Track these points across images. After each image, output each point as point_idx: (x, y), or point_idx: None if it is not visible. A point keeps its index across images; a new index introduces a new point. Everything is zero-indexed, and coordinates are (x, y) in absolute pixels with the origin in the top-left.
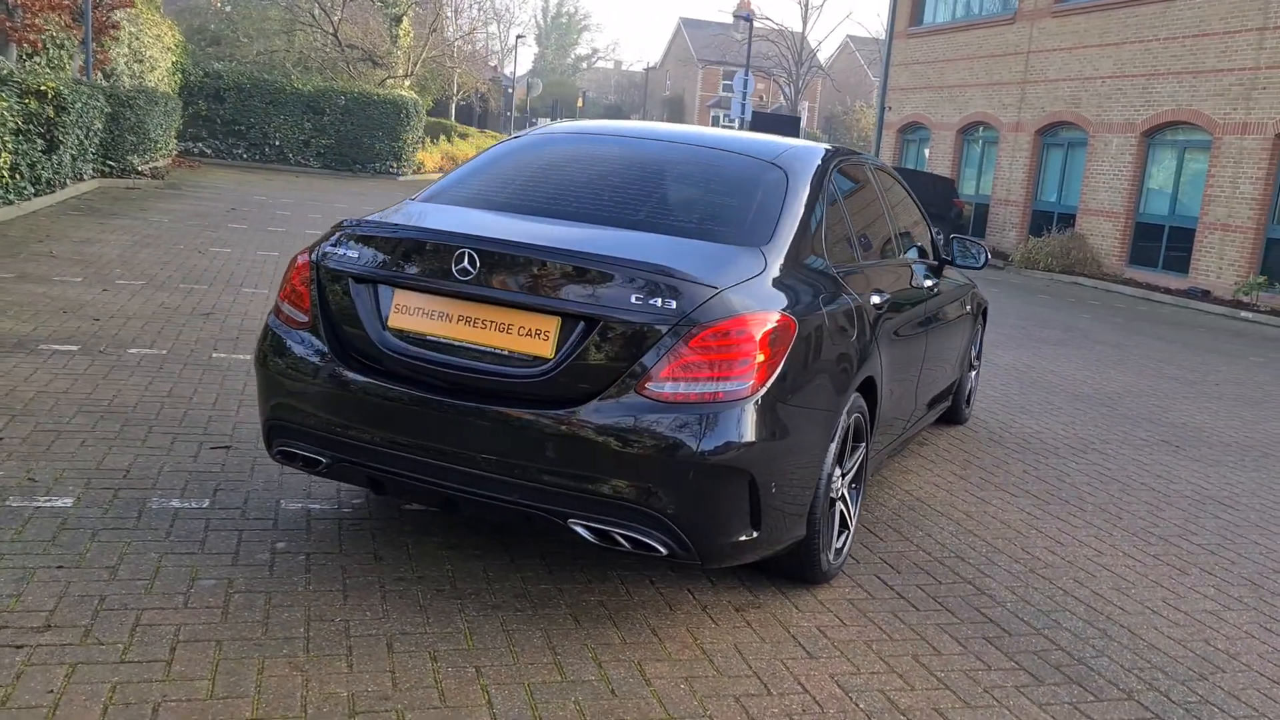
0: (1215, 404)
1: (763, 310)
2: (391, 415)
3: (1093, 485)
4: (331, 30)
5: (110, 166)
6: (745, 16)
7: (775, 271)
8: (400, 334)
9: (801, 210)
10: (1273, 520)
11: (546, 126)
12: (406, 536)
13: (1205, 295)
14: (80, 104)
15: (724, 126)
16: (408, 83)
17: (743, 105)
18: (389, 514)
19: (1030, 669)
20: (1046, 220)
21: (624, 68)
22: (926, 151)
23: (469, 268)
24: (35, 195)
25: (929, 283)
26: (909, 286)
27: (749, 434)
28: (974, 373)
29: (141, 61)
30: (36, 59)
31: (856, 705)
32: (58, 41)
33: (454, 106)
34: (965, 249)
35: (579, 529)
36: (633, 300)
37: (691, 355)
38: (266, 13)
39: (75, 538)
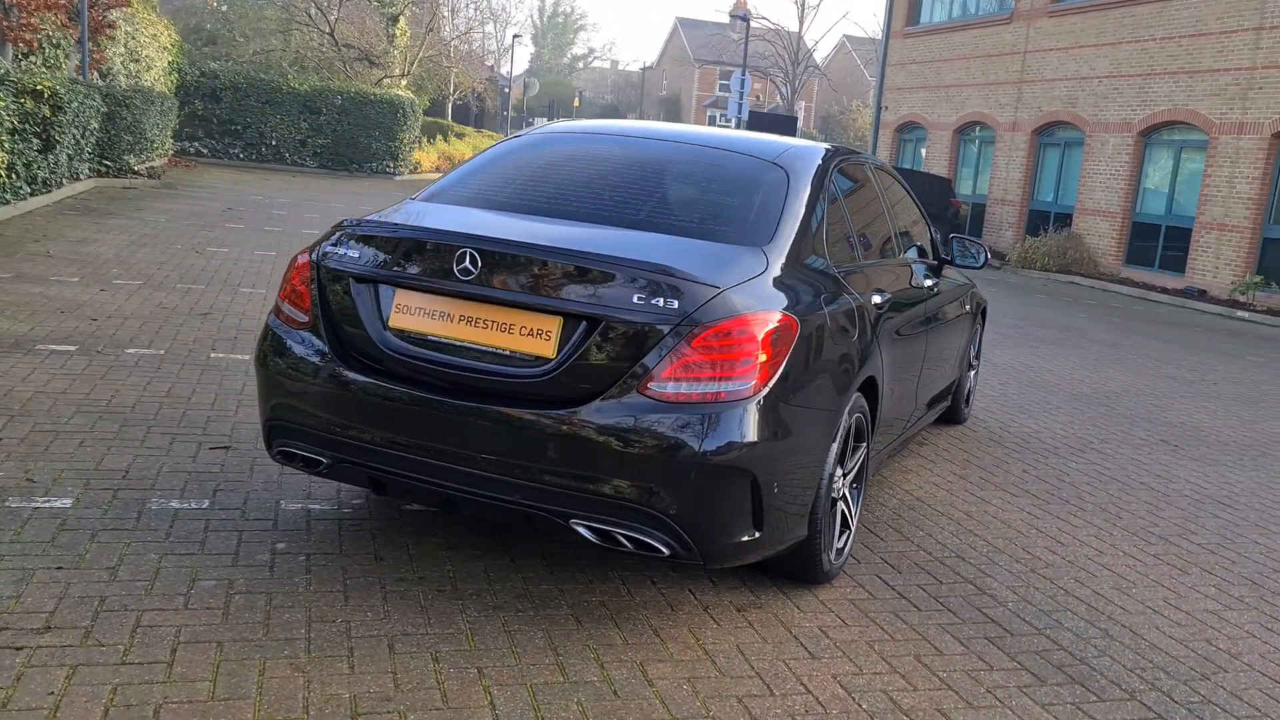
0: (1213, 403)
1: (764, 310)
2: (393, 415)
3: (1092, 485)
4: (328, 30)
5: (106, 166)
6: (742, 16)
7: (777, 271)
8: (401, 334)
9: (803, 210)
10: (1272, 519)
11: (547, 126)
12: (407, 537)
13: (1202, 295)
14: (76, 103)
15: (720, 126)
16: (404, 82)
17: (740, 105)
18: (389, 514)
19: (1033, 669)
20: (1043, 220)
21: (620, 67)
22: (923, 151)
23: (470, 267)
24: (31, 195)
25: (929, 282)
26: (909, 286)
27: (751, 434)
28: (973, 372)
29: (138, 61)
30: (33, 58)
31: (859, 706)
32: (54, 41)
33: (450, 106)
34: (965, 248)
35: (581, 529)
36: (635, 300)
37: (694, 355)
38: (263, 12)
39: (75, 538)
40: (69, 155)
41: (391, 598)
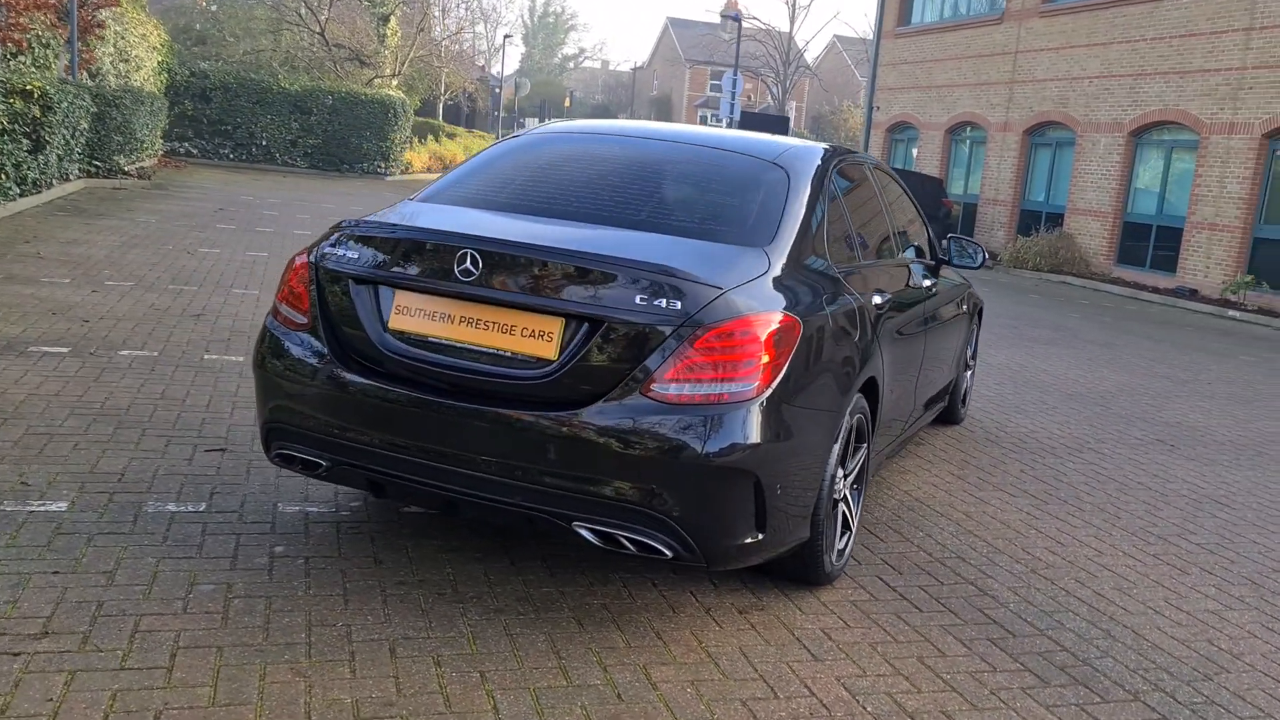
0: (1208, 403)
1: (767, 311)
2: (392, 417)
3: (1090, 485)
4: (318, 29)
5: (96, 167)
6: (733, 16)
7: (778, 272)
8: (401, 335)
9: (803, 210)
10: (1270, 519)
11: (545, 126)
12: (406, 539)
13: (1193, 294)
14: (66, 104)
15: (712, 126)
16: (395, 82)
17: (731, 105)
18: (388, 517)
19: (1035, 670)
20: (1034, 220)
21: (611, 67)
22: (914, 151)
23: (471, 268)
24: (21, 196)
25: (927, 282)
26: (909, 286)
27: (754, 435)
28: (969, 372)
29: (127, 61)
30: (21, 58)
31: (864, 708)
32: (43, 41)
33: (442, 106)
34: (962, 248)
35: (583, 532)
36: (637, 301)
37: (696, 356)
38: (253, 12)
39: (71, 542)
40: (59, 156)
41: (392, 601)
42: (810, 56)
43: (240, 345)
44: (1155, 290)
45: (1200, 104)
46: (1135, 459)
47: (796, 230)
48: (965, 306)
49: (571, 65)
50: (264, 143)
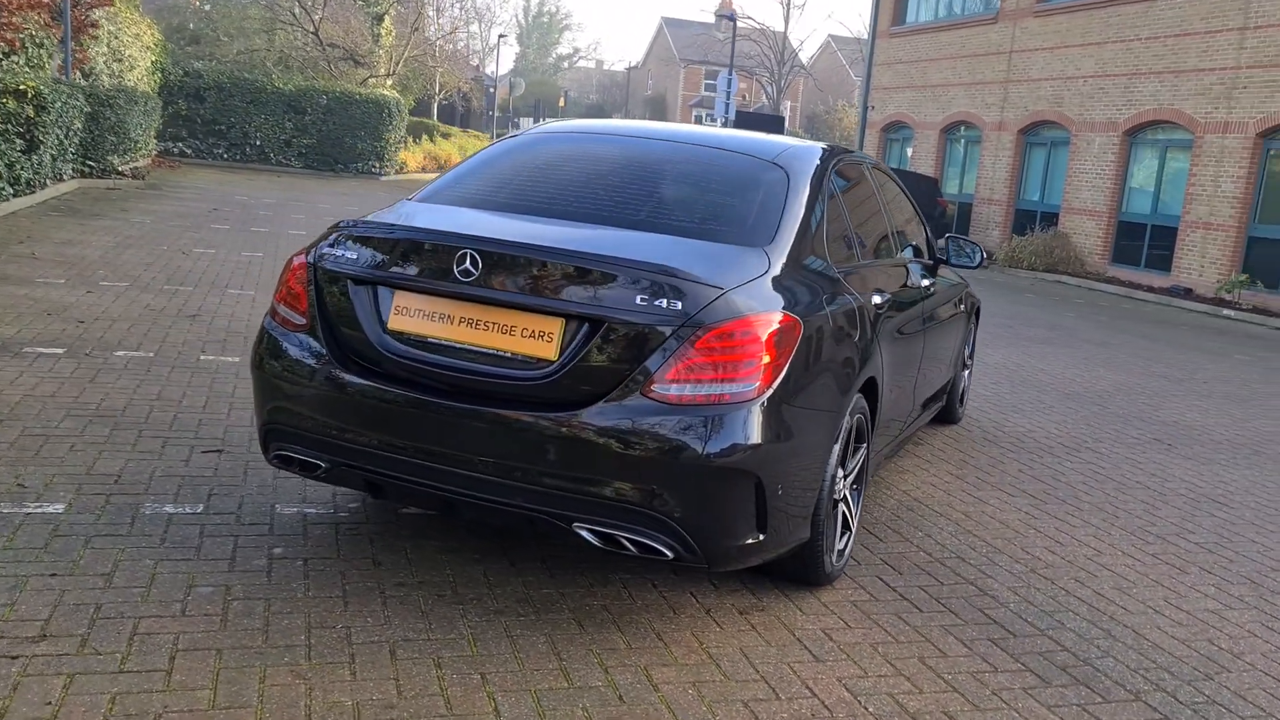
0: (1204, 402)
1: (767, 311)
2: (392, 418)
3: (1088, 484)
4: (312, 29)
5: (90, 167)
6: (728, 16)
7: (778, 272)
8: (400, 336)
9: (803, 210)
10: (1268, 518)
11: (544, 125)
12: (404, 541)
13: (1188, 293)
14: (60, 103)
15: (708, 125)
16: (390, 82)
17: (726, 105)
18: (386, 518)
19: (1037, 670)
20: (1030, 219)
21: (606, 67)
22: (909, 151)
23: (471, 269)
24: (14, 196)
25: (925, 282)
26: (907, 286)
27: (755, 436)
28: (967, 372)
29: (120, 60)
30: (15, 58)
31: (866, 709)
32: (37, 40)
33: (436, 106)
34: (960, 248)
35: (584, 533)
36: (638, 301)
37: (697, 357)
38: (246, 11)
39: (68, 544)
40: (53, 156)
41: (391, 603)
42: (805, 56)
43: (236, 346)
44: (1150, 289)
45: (1195, 103)
46: (1133, 458)
47: (796, 230)
48: (963, 306)
49: (566, 65)
50: (258, 142)
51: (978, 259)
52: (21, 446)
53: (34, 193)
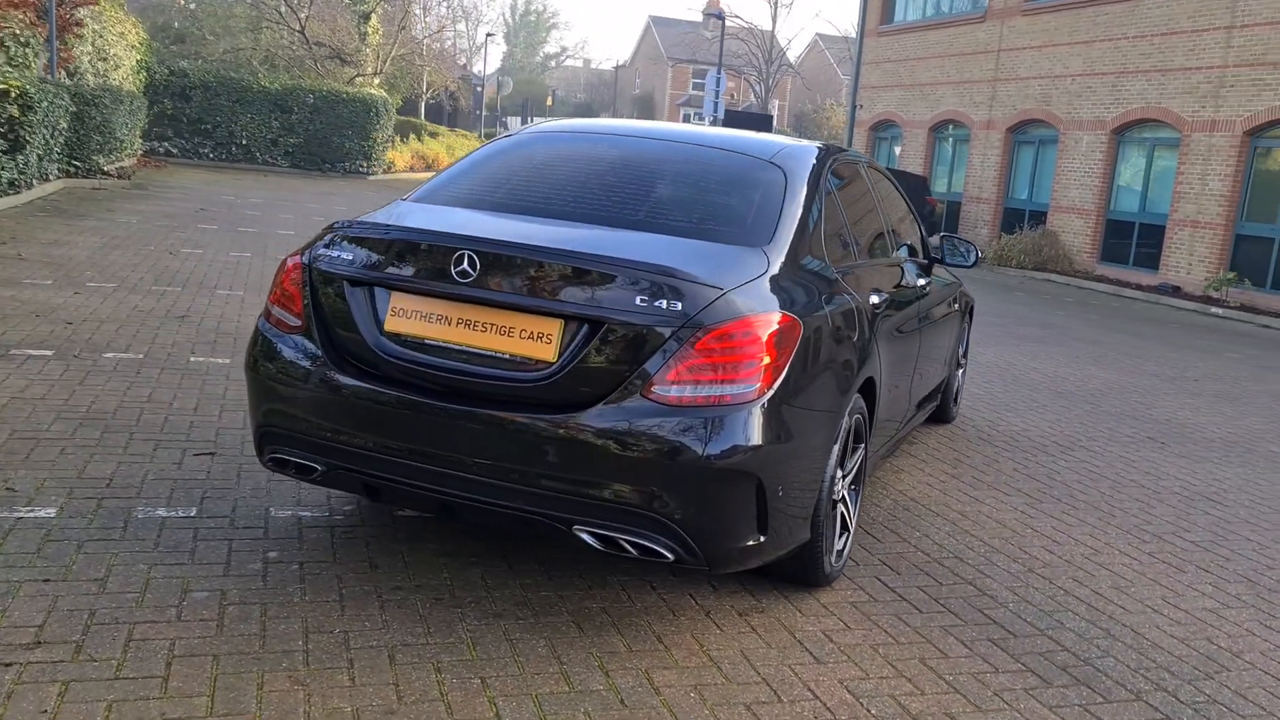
0: (1196, 400)
1: (767, 312)
2: (389, 421)
3: (1083, 483)
4: (298, 28)
5: (76, 167)
6: (716, 14)
7: (777, 271)
8: (397, 338)
9: (800, 210)
10: (1262, 516)
11: (539, 125)
12: (401, 544)
13: (1176, 291)
14: (46, 103)
15: (695, 124)
16: (377, 81)
17: (715, 103)
18: (382, 521)
19: (1037, 671)
20: (1018, 217)
21: (593, 66)
22: (897, 150)
23: (469, 269)
24: (0, 197)
25: (921, 281)
26: (904, 286)
27: (756, 437)
28: (961, 371)
29: (105, 60)
30: None
31: (868, 711)
32: (21, 39)
33: (424, 105)
34: (954, 247)
35: (584, 536)
36: (637, 302)
37: (697, 358)
38: (232, 10)
39: (61, 549)
40: (38, 156)
41: (389, 607)
42: (792, 55)
43: (226, 347)
44: (1138, 287)
45: (1182, 102)
46: (1127, 456)
47: (794, 230)
48: (957, 305)
49: (553, 64)
50: (244, 142)
51: (972, 258)
52: (11, 450)
53: (19, 193)
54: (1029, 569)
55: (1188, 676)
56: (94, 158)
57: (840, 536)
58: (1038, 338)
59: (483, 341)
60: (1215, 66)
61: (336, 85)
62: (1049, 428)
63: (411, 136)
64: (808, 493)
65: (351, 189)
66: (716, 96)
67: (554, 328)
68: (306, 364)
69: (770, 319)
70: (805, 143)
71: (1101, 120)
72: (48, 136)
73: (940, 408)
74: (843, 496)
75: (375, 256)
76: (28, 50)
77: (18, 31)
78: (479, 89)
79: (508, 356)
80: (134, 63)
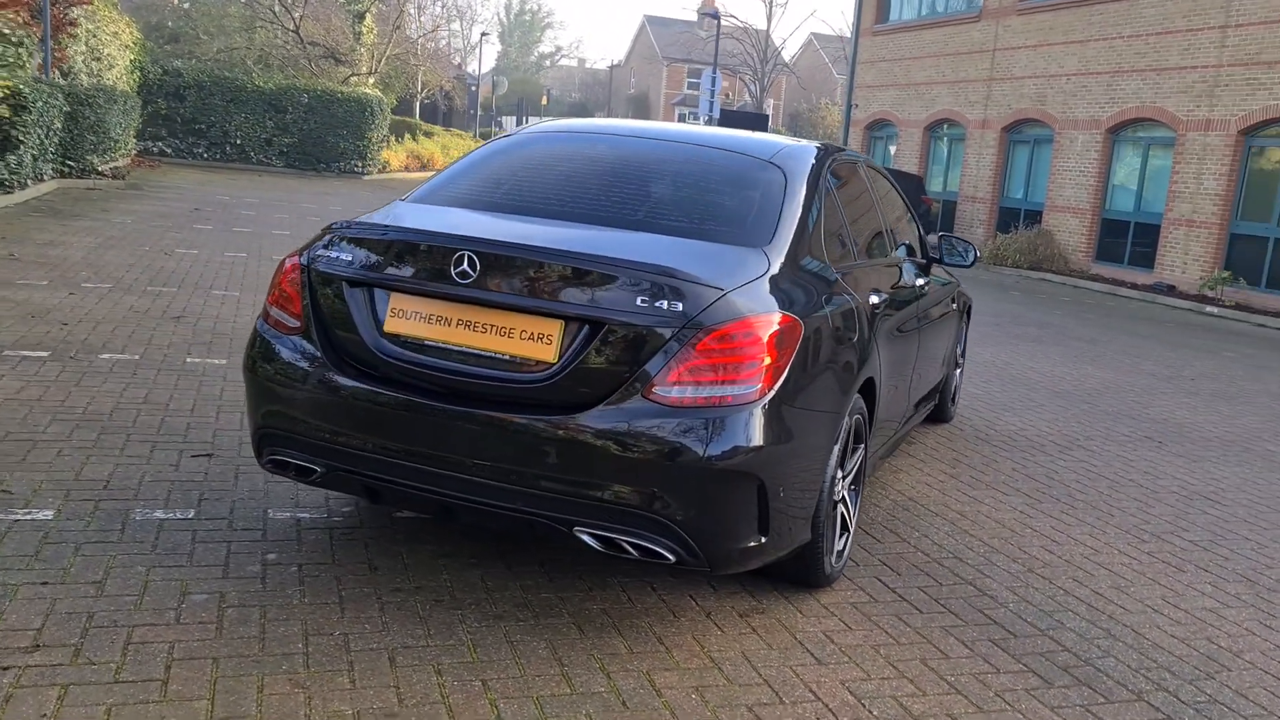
0: (1192, 399)
1: (768, 312)
2: (389, 422)
3: (1082, 482)
4: (293, 27)
5: (70, 166)
6: (712, 14)
7: (777, 272)
8: (397, 339)
9: (800, 210)
10: (1260, 515)
11: (537, 125)
12: (400, 545)
13: (1171, 290)
14: (41, 103)
15: (690, 124)
16: (371, 80)
17: (711, 103)
18: (380, 522)
19: (1039, 671)
20: (1013, 217)
21: (588, 65)
22: (893, 149)
23: (469, 270)
24: None
25: (920, 281)
26: (903, 285)
27: (757, 438)
28: (958, 370)
29: (99, 59)
30: None
31: (870, 712)
32: (16, 39)
33: (418, 105)
34: (952, 247)
35: (585, 537)
36: (638, 303)
37: (698, 358)
38: (225, 9)
39: (58, 552)
40: (33, 156)
41: (389, 608)
42: (787, 54)
43: (222, 348)
44: (1134, 286)
45: (1177, 101)
46: (1124, 456)
47: (794, 230)
48: (955, 304)
49: (548, 63)
50: (238, 141)
51: (971, 258)
52: (7, 452)
53: (13, 193)
54: (1029, 569)
55: (1189, 676)
56: (88, 158)
57: (840, 537)
58: (1034, 337)
59: (483, 342)
60: (1210, 66)
61: (331, 85)
62: (1047, 427)
63: (406, 136)
64: (808, 493)
65: (346, 189)
66: (712, 96)
67: (554, 329)
68: (305, 365)
69: (771, 320)
70: (804, 142)
71: (1096, 119)
72: (42, 136)
73: (939, 407)
74: (843, 497)
75: (374, 257)
76: (20, 50)
77: (6, 31)
78: (474, 88)
79: (508, 357)
80: (128, 62)
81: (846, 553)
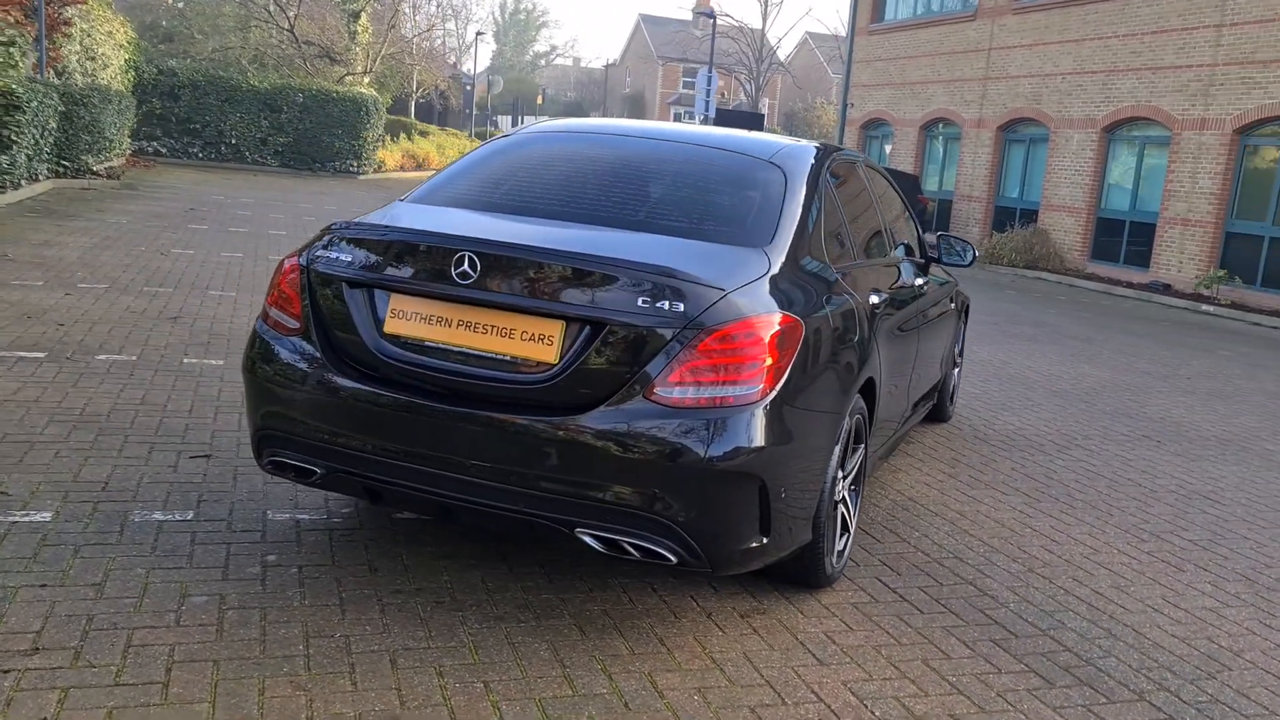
0: (1189, 398)
1: (769, 312)
2: (389, 423)
3: (1080, 482)
4: (288, 26)
5: (65, 167)
6: (707, 13)
7: (778, 272)
8: (397, 340)
9: (800, 210)
10: (1259, 514)
11: (536, 125)
12: (400, 546)
13: (1166, 289)
14: (36, 103)
15: (686, 123)
16: (367, 80)
17: (707, 102)
18: (380, 523)
19: (1040, 671)
20: (1009, 216)
21: (583, 65)
22: (888, 148)
23: (469, 271)
24: None
25: (919, 281)
26: (902, 285)
27: (759, 439)
28: (957, 370)
29: (94, 59)
30: None
31: (873, 713)
32: (7, 39)
33: (414, 104)
34: (951, 246)
35: (587, 538)
36: (639, 303)
37: (699, 359)
38: (220, 9)
39: (57, 554)
40: (27, 156)
41: (390, 610)
42: (783, 54)
43: (220, 348)
44: (1129, 285)
45: (1172, 100)
46: (1123, 455)
47: (794, 230)
48: (954, 304)
49: (543, 63)
50: (233, 141)
51: (969, 257)
52: (3, 454)
53: (7, 193)
54: (1029, 569)
55: (1190, 676)
56: (83, 157)
57: (841, 537)
58: (1031, 336)
59: (483, 343)
60: (1205, 65)
61: (326, 84)
62: (1045, 426)
63: (402, 136)
64: (809, 494)
65: (342, 188)
66: (708, 95)
67: (555, 329)
68: (305, 366)
69: (772, 320)
70: (804, 142)
71: (1092, 118)
72: (37, 136)
73: (937, 407)
74: (843, 497)
75: (374, 258)
76: (14, 50)
77: (7, 31)
78: (469, 88)
79: (509, 358)
80: (122, 62)
81: (847, 553)
